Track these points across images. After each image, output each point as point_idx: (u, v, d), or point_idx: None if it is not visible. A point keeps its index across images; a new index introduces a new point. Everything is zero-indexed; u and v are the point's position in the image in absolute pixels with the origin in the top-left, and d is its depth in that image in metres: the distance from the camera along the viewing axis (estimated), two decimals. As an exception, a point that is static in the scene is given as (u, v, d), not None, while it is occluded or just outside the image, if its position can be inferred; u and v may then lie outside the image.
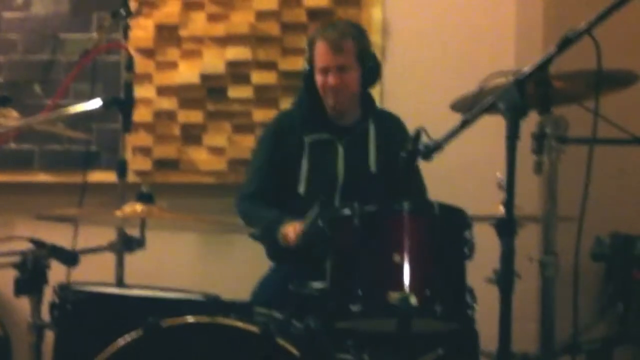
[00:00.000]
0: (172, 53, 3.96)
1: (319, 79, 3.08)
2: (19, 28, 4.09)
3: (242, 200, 3.17)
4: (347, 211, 2.29)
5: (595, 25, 1.97)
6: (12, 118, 2.92)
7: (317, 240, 2.51)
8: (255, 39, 3.90)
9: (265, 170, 3.17)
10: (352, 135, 3.12)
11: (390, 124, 3.22)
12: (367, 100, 3.21)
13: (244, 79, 3.90)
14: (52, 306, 2.40)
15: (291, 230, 2.83)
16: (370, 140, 3.12)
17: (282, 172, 3.11)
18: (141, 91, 3.87)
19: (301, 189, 3.06)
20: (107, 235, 2.81)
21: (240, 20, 3.91)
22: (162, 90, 3.96)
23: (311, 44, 3.12)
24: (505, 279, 1.93)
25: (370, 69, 3.13)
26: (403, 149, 2.23)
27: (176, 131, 3.95)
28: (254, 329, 2.21)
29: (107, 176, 3.68)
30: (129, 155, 3.79)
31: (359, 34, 3.15)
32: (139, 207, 2.37)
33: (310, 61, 3.11)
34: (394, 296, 2.14)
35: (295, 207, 3.03)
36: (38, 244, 2.39)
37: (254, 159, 3.29)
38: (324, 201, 2.57)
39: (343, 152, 3.10)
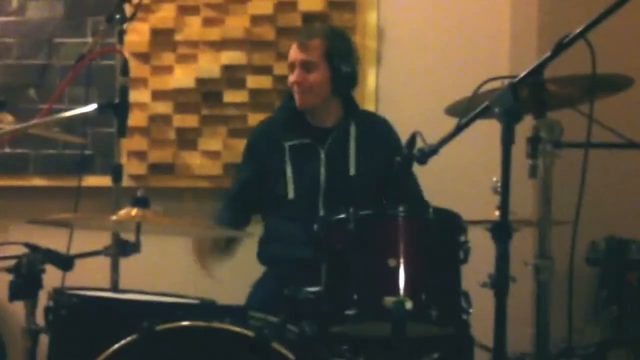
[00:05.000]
0: (167, 57, 3.96)
1: (288, 76, 3.12)
2: (14, 32, 4.08)
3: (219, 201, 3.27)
4: (342, 215, 2.29)
5: (590, 29, 1.97)
6: (7, 122, 2.92)
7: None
8: (250, 44, 3.90)
9: (242, 177, 3.23)
10: (332, 139, 3.11)
11: (374, 125, 3.21)
12: (348, 103, 3.19)
13: (239, 83, 3.90)
14: (47, 311, 2.39)
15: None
16: (350, 142, 3.12)
17: (267, 179, 3.12)
18: (136, 95, 3.86)
19: (290, 194, 3.06)
20: (102, 239, 2.80)
21: (236, 25, 3.91)
22: (157, 95, 3.96)
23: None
24: (500, 283, 1.93)
25: (343, 72, 3.08)
26: (396, 153, 2.23)
27: (171, 135, 3.95)
28: (249, 333, 2.20)
29: (102, 180, 3.67)
30: (124, 160, 3.79)
31: (333, 36, 3.13)
32: (134, 211, 2.36)
33: None
34: (389, 300, 2.14)
35: (286, 212, 3.06)
36: (33, 248, 2.38)
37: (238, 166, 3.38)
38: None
39: (324, 157, 3.09)
